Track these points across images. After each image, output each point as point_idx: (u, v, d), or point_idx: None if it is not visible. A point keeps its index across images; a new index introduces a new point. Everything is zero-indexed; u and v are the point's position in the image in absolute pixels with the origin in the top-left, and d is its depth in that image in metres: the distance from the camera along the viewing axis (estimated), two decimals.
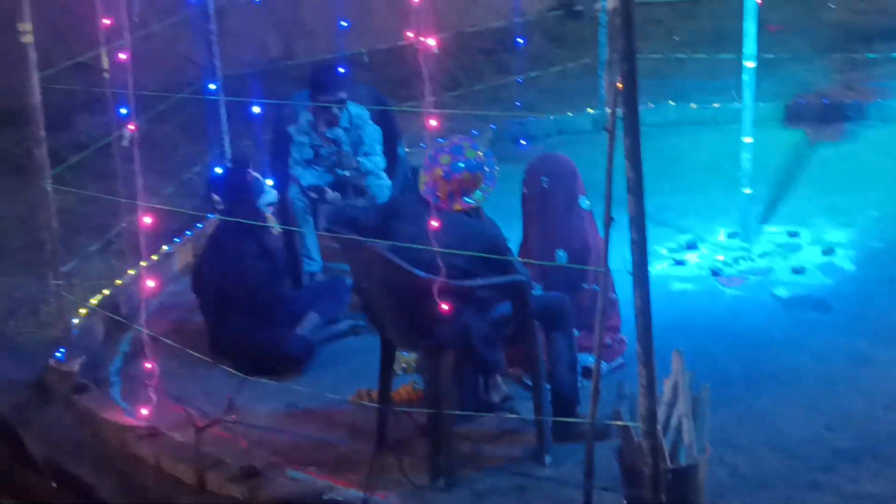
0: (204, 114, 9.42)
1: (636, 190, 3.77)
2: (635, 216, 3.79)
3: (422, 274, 4.56)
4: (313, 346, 6.00)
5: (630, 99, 3.72)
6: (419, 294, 4.57)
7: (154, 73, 7.85)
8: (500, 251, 4.80)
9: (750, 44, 6.53)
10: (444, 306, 4.48)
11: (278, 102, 7.19)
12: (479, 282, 4.76)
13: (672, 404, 4.44)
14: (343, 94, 6.71)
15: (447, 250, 4.49)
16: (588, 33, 12.17)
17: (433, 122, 4.44)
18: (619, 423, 4.19)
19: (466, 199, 4.94)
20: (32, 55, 5.41)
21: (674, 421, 4.38)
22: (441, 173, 4.90)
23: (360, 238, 4.75)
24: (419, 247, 4.56)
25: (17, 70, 6.59)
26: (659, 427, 3.97)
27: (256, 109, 6.34)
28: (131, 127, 5.48)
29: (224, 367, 5.66)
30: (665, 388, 4.47)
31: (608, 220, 4.02)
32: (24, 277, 7.07)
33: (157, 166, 7.88)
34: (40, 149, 5.57)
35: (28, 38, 5.35)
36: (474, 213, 5.00)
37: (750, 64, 6.59)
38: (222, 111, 7.55)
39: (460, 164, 4.92)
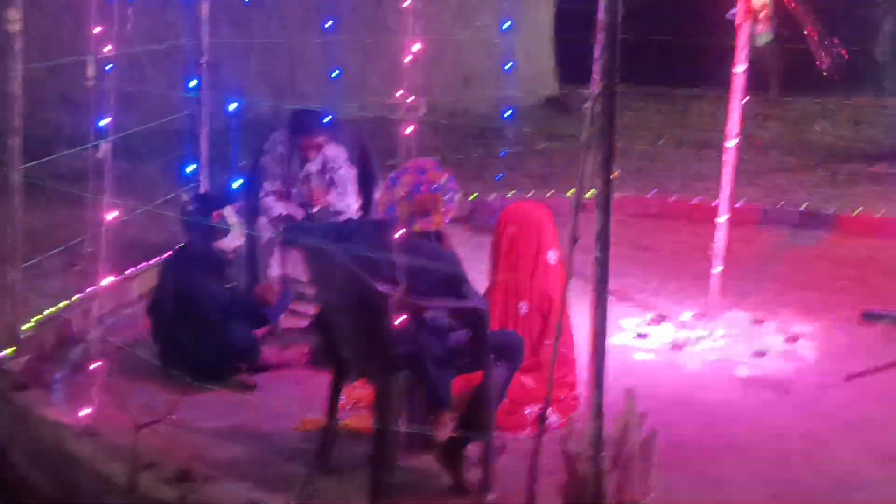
0: (185, 154, 9.42)
1: (604, 205, 3.74)
2: (601, 232, 3.75)
3: (378, 286, 4.48)
4: (257, 344, 6.06)
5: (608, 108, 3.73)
6: (376, 310, 4.50)
7: (139, 111, 7.86)
8: (459, 277, 4.72)
9: (732, 125, 6.56)
10: (399, 321, 4.41)
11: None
12: (438, 302, 4.68)
13: (621, 443, 4.34)
14: (320, 139, 6.69)
15: (405, 264, 4.43)
16: (575, 129, 12.34)
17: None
18: (566, 449, 4.07)
19: (426, 220, 4.87)
20: (18, 44, 5.36)
21: (621, 461, 4.29)
22: (403, 193, 4.86)
23: (320, 245, 4.67)
24: (379, 256, 4.50)
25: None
26: (604, 455, 3.88)
27: (233, 106, 6.30)
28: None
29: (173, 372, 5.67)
30: (615, 428, 4.37)
31: (573, 240, 3.97)
32: None
33: (129, 195, 7.81)
34: (14, 139, 5.48)
35: (16, 27, 5.31)
36: (434, 236, 4.94)
37: (729, 145, 6.60)
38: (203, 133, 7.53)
39: (421, 185, 4.88)
